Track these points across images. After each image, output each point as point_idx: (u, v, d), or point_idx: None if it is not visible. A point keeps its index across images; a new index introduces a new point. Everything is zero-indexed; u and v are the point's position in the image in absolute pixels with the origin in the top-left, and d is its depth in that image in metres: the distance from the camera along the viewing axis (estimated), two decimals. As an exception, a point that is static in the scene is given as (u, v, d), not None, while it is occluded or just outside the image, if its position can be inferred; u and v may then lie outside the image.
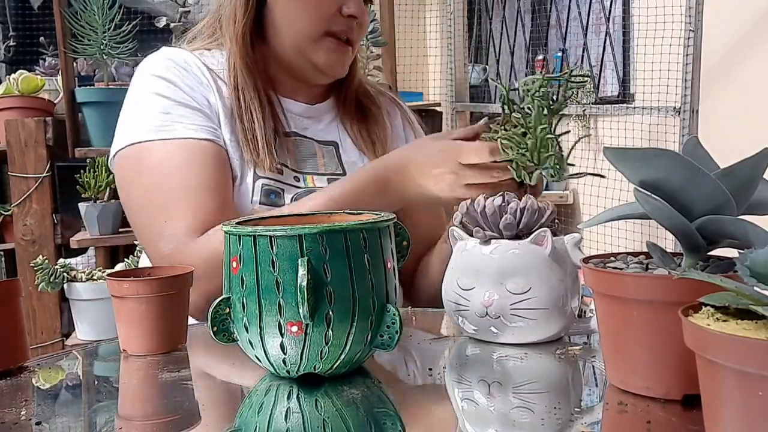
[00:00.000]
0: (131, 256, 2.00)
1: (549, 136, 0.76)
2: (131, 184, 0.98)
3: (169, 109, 0.97)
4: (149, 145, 0.95)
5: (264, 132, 1.01)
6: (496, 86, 4.17)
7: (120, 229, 2.30)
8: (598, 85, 3.39)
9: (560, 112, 0.78)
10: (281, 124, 1.05)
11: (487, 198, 0.74)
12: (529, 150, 0.76)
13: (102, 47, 2.24)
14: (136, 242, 2.01)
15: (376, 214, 0.66)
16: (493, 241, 0.71)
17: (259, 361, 0.62)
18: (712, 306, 0.44)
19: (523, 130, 0.77)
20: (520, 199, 0.74)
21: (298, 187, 1.03)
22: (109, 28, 2.23)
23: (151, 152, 0.95)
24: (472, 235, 0.73)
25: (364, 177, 0.92)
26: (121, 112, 1.02)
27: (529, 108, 0.77)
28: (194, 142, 0.95)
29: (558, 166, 0.77)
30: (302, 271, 0.57)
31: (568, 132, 0.82)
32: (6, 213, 2.52)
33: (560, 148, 0.78)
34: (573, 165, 0.78)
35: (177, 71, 1.01)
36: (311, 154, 1.07)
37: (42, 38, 3.03)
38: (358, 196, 0.89)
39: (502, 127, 0.81)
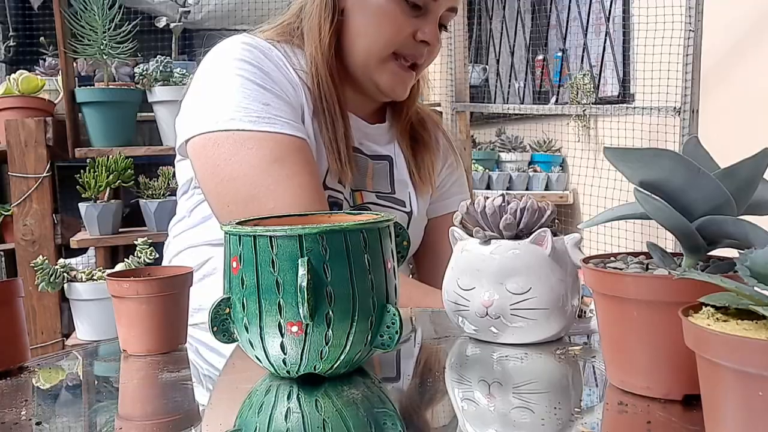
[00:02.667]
0: (131, 256, 2.00)
1: None
2: (225, 166, 0.95)
3: (268, 100, 0.97)
4: (249, 135, 0.94)
5: (345, 142, 1.02)
6: (496, 86, 4.18)
7: (120, 229, 2.30)
8: (598, 85, 3.39)
9: None
10: (351, 137, 1.06)
11: (488, 198, 0.74)
12: None
13: (102, 47, 2.24)
14: (136, 242, 2.01)
15: (376, 214, 0.66)
16: (493, 241, 0.71)
17: (259, 361, 0.62)
18: (713, 306, 0.44)
19: None
20: None
21: (349, 203, 1.05)
22: (109, 28, 2.23)
23: (252, 142, 0.94)
24: (472, 235, 0.73)
25: None
26: (197, 91, 1.01)
27: None
28: (294, 140, 0.96)
29: None
30: (302, 271, 0.57)
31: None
32: (6, 213, 2.52)
33: None
34: None
35: (267, 60, 1.01)
36: (363, 172, 1.08)
37: (42, 38, 3.03)
38: None
39: None
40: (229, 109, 0.96)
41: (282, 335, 0.59)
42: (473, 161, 3.30)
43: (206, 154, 0.97)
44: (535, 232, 0.70)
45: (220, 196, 0.97)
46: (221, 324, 0.62)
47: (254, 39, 1.04)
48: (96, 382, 0.71)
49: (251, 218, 0.68)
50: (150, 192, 2.27)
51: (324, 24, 1.03)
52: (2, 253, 2.63)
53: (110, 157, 2.19)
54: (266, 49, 1.03)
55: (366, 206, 1.08)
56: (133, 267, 1.73)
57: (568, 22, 3.64)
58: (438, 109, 2.84)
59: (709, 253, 0.58)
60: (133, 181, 2.23)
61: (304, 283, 0.57)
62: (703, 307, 0.44)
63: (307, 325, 0.58)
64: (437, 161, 1.20)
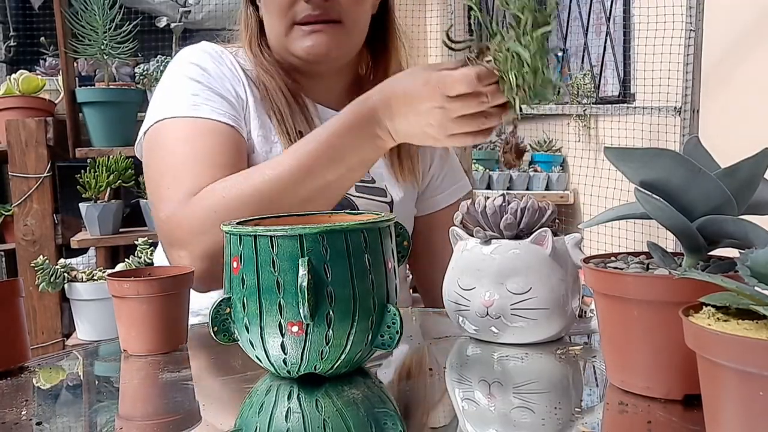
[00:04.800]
0: (131, 256, 2.00)
1: (543, 46, 0.71)
2: (151, 157, 1.00)
3: (198, 92, 1.00)
4: (173, 121, 0.98)
5: (294, 129, 1.03)
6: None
7: (120, 229, 2.30)
8: (599, 85, 3.39)
9: (549, 22, 0.72)
10: (312, 125, 1.06)
11: (488, 198, 0.74)
12: (525, 62, 0.72)
13: (102, 47, 2.24)
14: (136, 242, 2.01)
15: (377, 214, 0.66)
16: (493, 241, 0.71)
17: (260, 361, 0.63)
18: (713, 306, 0.44)
19: (512, 44, 0.72)
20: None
21: None
22: (109, 28, 2.23)
23: (175, 127, 0.98)
24: (472, 235, 0.73)
25: (352, 112, 0.88)
26: (154, 95, 1.07)
27: (517, 15, 0.72)
28: (216, 123, 0.98)
29: (549, 84, 0.72)
30: (303, 271, 0.57)
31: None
32: (6, 213, 2.52)
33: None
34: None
35: (210, 60, 1.06)
36: None
37: (42, 38, 3.03)
38: (348, 134, 0.87)
39: (486, 44, 0.76)
40: (162, 105, 1.01)
41: (282, 335, 0.59)
42: (473, 161, 3.30)
43: (145, 149, 1.03)
44: (536, 232, 0.70)
45: (146, 188, 1.02)
46: (222, 324, 0.62)
47: (210, 45, 1.09)
48: (96, 382, 0.71)
49: (251, 218, 0.68)
50: (150, 192, 2.26)
51: (242, 22, 1.10)
52: (3, 253, 2.63)
53: (111, 157, 2.19)
54: (217, 52, 1.08)
55: (346, 197, 1.06)
56: (134, 267, 1.73)
57: (568, 22, 3.63)
58: (438, 109, 2.84)
59: (710, 253, 0.58)
60: (133, 181, 2.22)
61: (305, 283, 0.57)
62: (704, 306, 0.44)
63: (307, 325, 0.58)
64: (425, 150, 1.17)
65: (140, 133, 1.04)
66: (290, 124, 1.03)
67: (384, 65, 1.13)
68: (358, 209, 1.04)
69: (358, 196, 1.07)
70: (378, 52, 1.14)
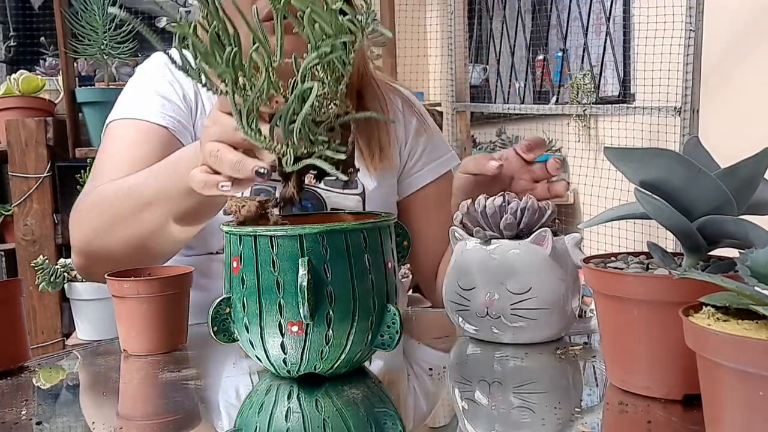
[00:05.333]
0: (131, 256, 1.99)
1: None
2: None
3: (139, 94, 1.02)
4: (112, 124, 1.01)
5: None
6: (496, 86, 4.18)
7: (120, 229, 2.30)
8: (599, 85, 3.39)
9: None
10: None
11: (488, 198, 0.74)
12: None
13: (102, 47, 2.24)
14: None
15: (377, 214, 0.66)
16: (493, 241, 0.71)
17: (260, 361, 0.63)
18: (713, 306, 0.44)
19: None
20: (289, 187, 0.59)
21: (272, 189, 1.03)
22: (109, 28, 2.23)
23: (111, 130, 1.01)
24: (472, 235, 0.73)
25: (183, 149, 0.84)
26: None
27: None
28: (148, 124, 0.98)
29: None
30: (303, 271, 0.57)
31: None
32: (6, 213, 2.52)
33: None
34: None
35: (163, 65, 1.06)
36: None
37: (42, 38, 3.03)
38: (172, 162, 0.81)
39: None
40: (112, 112, 1.04)
41: (282, 335, 0.59)
42: (473, 161, 3.29)
43: None
44: (536, 232, 0.70)
45: None
46: (221, 324, 0.62)
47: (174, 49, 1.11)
48: (96, 382, 0.71)
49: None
50: (150, 192, 2.26)
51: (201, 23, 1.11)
52: (3, 253, 2.62)
53: (110, 157, 2.19)
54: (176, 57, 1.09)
55: (312, 190, 1.02)
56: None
57: (568, 22, 3.64)
58: (438, 109, 2.84)
59: (710, 253, 0.58)
60: (133, 182, 2.22)
61: (305, 283, 0.57)
62: (704, 306, 0.44)
63: (307, 324, 0.58)
64: (398, 131, 1.12)
65: None
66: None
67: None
68: (326, 204, 1.00)
69: (326, 190, 1.02)
70: None
